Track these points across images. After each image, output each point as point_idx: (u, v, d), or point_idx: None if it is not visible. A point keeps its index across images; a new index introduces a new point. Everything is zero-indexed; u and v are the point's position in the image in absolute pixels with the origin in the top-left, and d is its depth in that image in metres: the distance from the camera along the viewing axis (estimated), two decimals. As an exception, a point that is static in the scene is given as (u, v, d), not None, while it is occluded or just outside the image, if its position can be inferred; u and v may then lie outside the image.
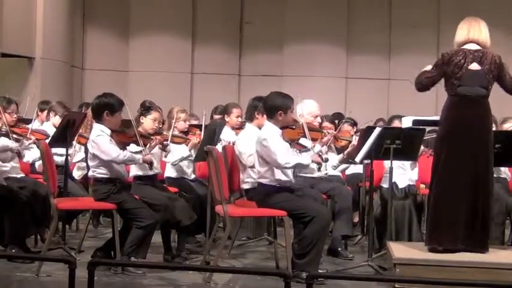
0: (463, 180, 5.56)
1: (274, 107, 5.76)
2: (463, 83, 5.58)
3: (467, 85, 5.58)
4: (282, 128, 5.81)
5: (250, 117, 6.67)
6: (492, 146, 5.67)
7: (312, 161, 5.83)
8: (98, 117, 5.97)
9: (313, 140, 6.26)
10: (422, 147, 6.65)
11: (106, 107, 5.93)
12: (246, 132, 6.65)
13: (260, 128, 6.20)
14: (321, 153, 6.01)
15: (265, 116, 6.14)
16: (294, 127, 5.99)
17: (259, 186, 5.82)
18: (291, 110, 5.87)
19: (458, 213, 5.53)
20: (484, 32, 5.70)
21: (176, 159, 7.08)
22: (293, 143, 5.99)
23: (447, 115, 5.67)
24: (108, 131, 5.92)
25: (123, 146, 6.02)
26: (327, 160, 6.19)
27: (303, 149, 6.13)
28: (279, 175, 5.71)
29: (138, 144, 6.15)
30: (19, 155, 6.53)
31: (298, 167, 5.83)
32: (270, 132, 5.72)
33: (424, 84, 5.74)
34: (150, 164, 6.16)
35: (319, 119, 6.88)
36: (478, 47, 5.65)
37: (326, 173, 6.95)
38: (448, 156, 5.61)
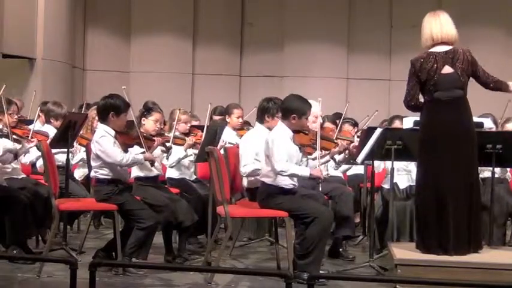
0: (447, 184, 5.48)
1: (290, 109, 5.74)
2: (438, 88, 5.51)
3: (444, 89, 5.50)
4: (294, 131, 5.78)
5: (260, 119, 6.56)
6: (476, 145, 5.58)
7: (311, 175, 5.74)
8: (103, 118, 5.96)
9: (323, 149, 6.20)
10: None
11: (112, 108, 5.92)
12: (252, 133, 6.54)
13: (269, 130, 6.14)
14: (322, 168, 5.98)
15: (275, 119, 6.14)
16: (307, 132, 5.92)
17: (262, 186, 5.81)
18: (306, 117, 5.81)
19: (447, 219, 5.46)
20: (445, 27, 5.59)
21: (173, 160, 7.07)
22: (303, 147, 5.93)
23: (426, 120, 5.60)
24: (113, 132, 5.91)
25: (125, 148, 6.02)
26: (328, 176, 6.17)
27: (313, 153, 6.08)
28: (281, 177, 5.71)
29: (141, 146, 6.15)
30: (16, 156, 6.50)
31: (294, 177, 5.77)
32: (279, 133, 5.70)
33: (409, 101, 5.61)
34: (152, 162, 6.16)
35: (320, 120, 6.87)
36: (446, 48, 5.55)
37: (327, 174, 6.93)
38: (430, 162, 5.55)
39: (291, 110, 5.74)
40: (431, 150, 5.55)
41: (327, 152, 6.38)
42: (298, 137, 5.80)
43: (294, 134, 5.76)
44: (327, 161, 6.64)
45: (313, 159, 6.07)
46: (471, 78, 5.62)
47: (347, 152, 6.81)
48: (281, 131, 5.74)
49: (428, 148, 5.57)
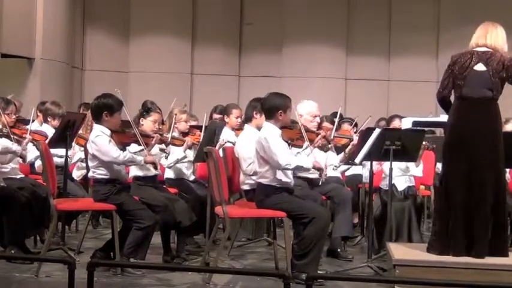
0: (472, 187, 5.43)
1: (275, 107, 5.77)
2: (467, 84, 5.45)
3: (472, 86, 5.44)
4: (281, 128, 5.82)
5: (249, 118, 6.65)
6: (502, 148, 5.50)
7: (313, 167, 5.83)
8: (97, 118, 5.97)
9: (310, 141, 6.28)
10: (424, 143, 6.59)
11: (105, 108, 5.92)
12: (245, 135, 6.60)
13: (259, 129, 6.22)
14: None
15: (263, 116, 6.17)
16: (292, 128, 6.02)
17: (259, 187, 5.82)
18: (290, 110, 5.88)
19: (471, 221, 5.42)
20: (500, 38, 5.52)
21: (171, 161, 7.06)
22: (292, 142, 6.00)
23: (453, 121, 5.54)
24: (108, 132, 5.91)
25: (123, 147, 6.02)
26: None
27: (301, 148, 6.16)
28: (279, 175, 5.71)
29: (139, 144, 6.14)
30: (23, 158, 6.55)
31: (298, 169, 5.81)
32: (270, 132, 5.72)
33: (441, 92, 5.58)
34: (154, 164, 6.15)
35: (318, 119, 6.88)
36: (486, 49, 5.49)
37: (326, 174, 6.94)
38: (454, 164, 5.50)
39: (276, 107, 5.77)
40: (458, 152, 5.47)
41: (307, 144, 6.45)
42: (286, 132, 5.89)
43: (281, 130, 5.82)
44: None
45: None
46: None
47: (346, 150, 6.84)
48: (270, 129, 5.75)
49: (455, 149, 5.49)
